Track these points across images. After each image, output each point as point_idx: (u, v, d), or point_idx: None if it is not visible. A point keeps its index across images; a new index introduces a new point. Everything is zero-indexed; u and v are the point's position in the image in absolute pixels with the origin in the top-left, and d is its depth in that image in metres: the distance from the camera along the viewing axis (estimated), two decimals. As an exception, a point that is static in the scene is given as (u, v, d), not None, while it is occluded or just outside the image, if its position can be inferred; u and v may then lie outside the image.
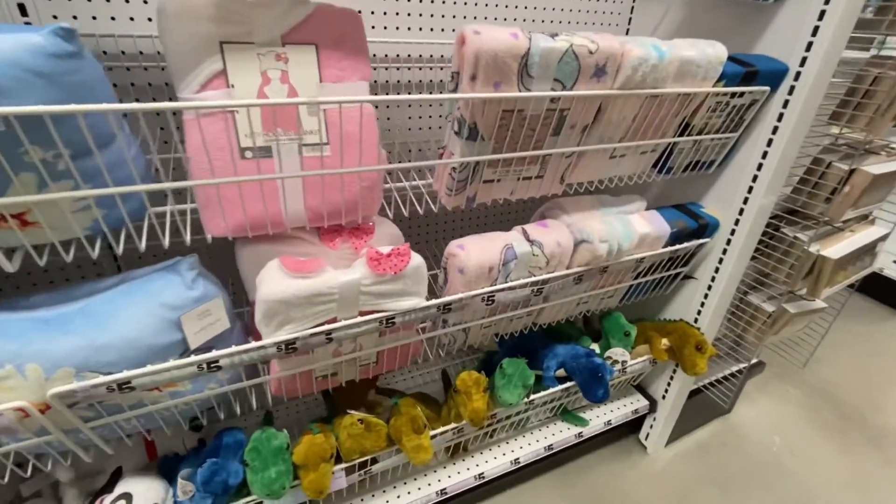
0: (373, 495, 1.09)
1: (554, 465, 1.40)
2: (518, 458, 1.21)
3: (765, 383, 1.77)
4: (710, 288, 1.17)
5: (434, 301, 0.81)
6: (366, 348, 0.84)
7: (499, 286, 0.84)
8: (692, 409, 1.43)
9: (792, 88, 0.91)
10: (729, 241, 1.10)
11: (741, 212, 1.06)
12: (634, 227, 0.95)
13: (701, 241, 1.07)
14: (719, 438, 1.55)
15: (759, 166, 1.00)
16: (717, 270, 1.14)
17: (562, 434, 1.29)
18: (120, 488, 0.81)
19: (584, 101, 0.75)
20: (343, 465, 0.92)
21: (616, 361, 1.17)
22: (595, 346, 1.24)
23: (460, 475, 1.16)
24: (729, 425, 1.60)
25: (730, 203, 1.07)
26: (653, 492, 1.36)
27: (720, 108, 0.91)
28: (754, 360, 1.53)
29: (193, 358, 0.66)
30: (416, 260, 0.76)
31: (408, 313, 0.79)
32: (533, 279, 0.88)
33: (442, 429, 1.00)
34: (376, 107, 1.03)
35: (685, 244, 1.05)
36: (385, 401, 1.16)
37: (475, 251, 0.82)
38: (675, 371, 1.33)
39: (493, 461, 1.20)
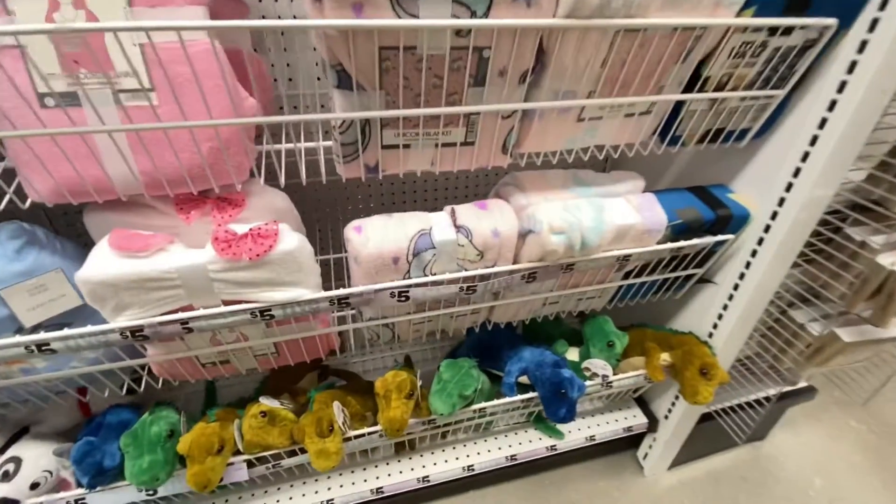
0: (291, 485, 1.01)
1: (525, 472, 1.24)
2: (472, 466, 1.07)
3: (818, 409, 1.44)
4: (731, 297, 0.90)
5: (321, 294, 0.66)
6: (254, 339, 0.72)
7: (402, 282, 0.67)
8: (709, 430, 1.19)
9: (875, 22, 0.60)
10: (761, 241, 0.82)
11: (781, 202, 0.77)
12: (611, 216, 0.72)
13: (719, 237, 0.81)
14: (740, 470, 1.29)
15: (814, 140, 0.70)
16: (742, 276, 0.87)
17: (531, 444, 1.12)
18: (12, 451, 0.79)
19: (510, 37, 0.52)
20: (245, 457, 0.83)
21: (595, 375, 0.96)
22: (573, 353, 1.03)
23: (402, 475, 1.04)
24: (757, 455, 1.32)
25: (768, 189, 0.78)
26: (637, 522, 1.16)
27: (752, 52, 0.63)
28: (800, 385, 1.22)
29: (18, 338, 0.58)
30: (290, 243, 0.61)
31: (289, 306, 0.65)
32: (454, 276, 0.69)
33: (369, 430, 0.88)
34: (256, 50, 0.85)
35: (692, 241, 0.79)
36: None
37: (376, 236, 0.65)
38: (677, 397, 1.09)
39: (444, 465, 1.07)
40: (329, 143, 0.63)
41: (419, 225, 0.67)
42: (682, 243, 0.79)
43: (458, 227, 0.68)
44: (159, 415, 0.79)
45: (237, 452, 0.82)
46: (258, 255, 0.58)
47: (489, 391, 1.02)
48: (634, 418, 1.18)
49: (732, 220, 0.80)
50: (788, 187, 0.75)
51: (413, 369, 0.96)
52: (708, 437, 1.22)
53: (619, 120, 0.68)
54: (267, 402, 0.85)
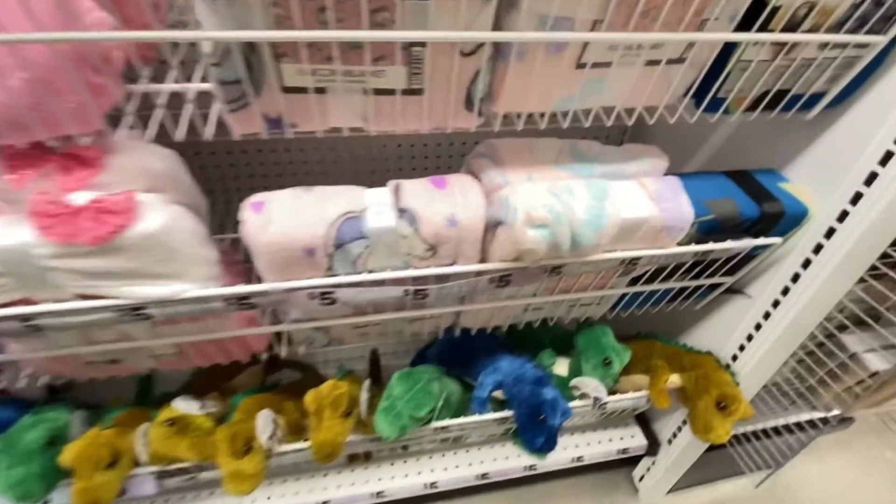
0: (211, 492, 0.88)
1: (500, 486, 1.10)
2: (436, 482, 0.93)
3: (851, 434, 1.25)
4: (767, 316, 0.71)
5: (212, 292, 0.49)
6: (142, 339, 0.57)
7: (319, 281, 0.50)
8: (720, 456, 1.02)
9: None
10: (819, 248, 0.61)
11: (857, 198, 0.56)
12: (615, 206, 0.52)
13: (762, 241, 0.60)
14: (750, 501, 1.12)
15: (920, 112, 0.48)
16: (786, 291, 0.67)
17: (507, 462, 0.96)
18: None
19: None
20: (154, 469, 0.70)
21: (585, 395, 0.79)
22: (562, 366, 0.85)
23: (354, 488, 0.91)
24: (773, 485, 1.15)
25: (838, 180, 0.57)
26: (625, 555, 1.02)
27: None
28: (835, 412, 1.03)
29: None
30: (153, 223, 0.43)
31: (169, 304, 0.49)
32: (395, 275, 0.51)
33: (299, 446, 0.73)
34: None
35: (725, 245, 0.59)
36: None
37: (281, 217, 0.47)
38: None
39: (403, 479, 0.92)
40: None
41: (346, 205, 0.49)
42: (710, 246, 0.59)
43: (400, 211, 0.49)
44: (42, 417, 0.65)
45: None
46: (101, 239, 0.41)
47: (459, 402, 0.86)
48: (632, 439, 1.01)
49: (783, 219, 0.60)
50: (870, 179, 0.54)
51: (375, 373, 0.80)
52: (717, 462, 1.05)
53: (638, 69, 0.47)
54: (181, 406, 0.71)
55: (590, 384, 0.77)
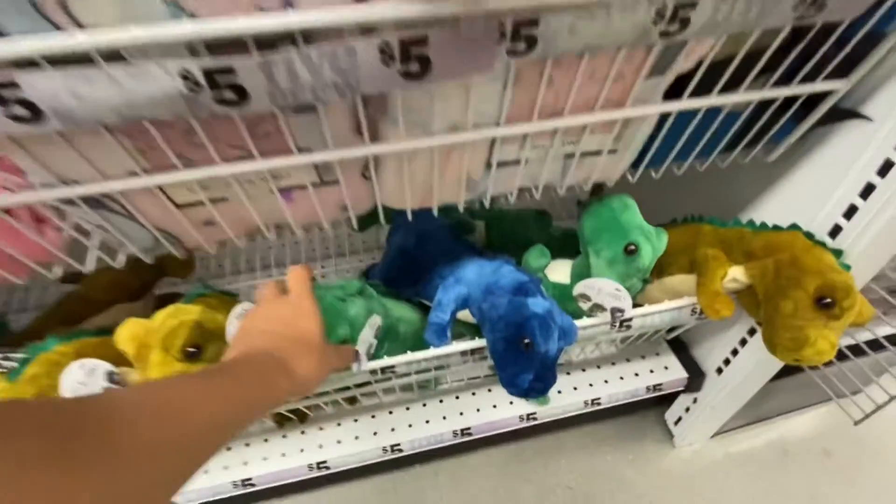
0: None
1: (495, 441, 0.85)
2: (398, 445, 0.68)
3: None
4: (908, 144, 0.41)
5: None
6: None
7: None
8: (784, 385, 0.75)
9: None
10: None
11: None
12: None
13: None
14: (822, 441, 0.86)
15: None
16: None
17: (495, 411, 0.71)
18: None
19: None
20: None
21: (599, 307, 0.51)
22: (559, 270, 0.57)
23: (285, 460, 0.66)
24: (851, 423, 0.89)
25: None
26: (660, 519, 0.77)
27: None
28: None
29: None
30: None
31: None
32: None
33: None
34: None
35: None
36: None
37: None
38: (752, 331, 0.63)
39: (353, 444, 0.68)
40: None
41: None
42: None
43: None
44: None
45: None
46: None
47: (416, 334, 0.59)
48: (666, 371, 0.75)
49: None
50: None
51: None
52: (778, 393, 0.78)
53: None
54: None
55: (604, 287, 0.49)
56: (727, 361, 0.69)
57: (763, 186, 0.56)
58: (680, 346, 0.77)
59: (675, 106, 0.38)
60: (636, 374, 0.74)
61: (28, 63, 0.24)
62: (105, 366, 0.43)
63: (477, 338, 0.51)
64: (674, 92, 0.38)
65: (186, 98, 0.26)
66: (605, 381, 0.73)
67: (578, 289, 0.50)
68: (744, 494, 0.80)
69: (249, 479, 0.65)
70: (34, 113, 0.25)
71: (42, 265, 0.40)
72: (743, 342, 0.65)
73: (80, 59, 0.24)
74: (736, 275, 0.51)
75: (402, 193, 0.41)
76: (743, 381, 0.67)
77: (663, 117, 0.40)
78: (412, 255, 0.61)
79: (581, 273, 0.53)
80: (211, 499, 0.65)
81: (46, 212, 0.37)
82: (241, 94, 0.26)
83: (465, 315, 0.53)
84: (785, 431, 0.87)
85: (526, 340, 0.43)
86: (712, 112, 0.41)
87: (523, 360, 0.44)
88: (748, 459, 0.84)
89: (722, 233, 0.54)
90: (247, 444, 0.68)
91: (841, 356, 0.66)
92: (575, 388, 0.72)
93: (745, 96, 0.39)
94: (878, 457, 0.83)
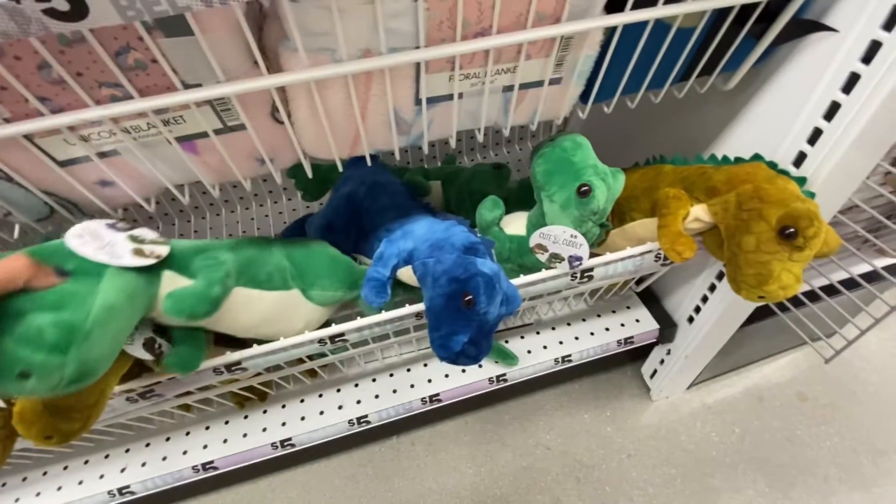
0: (67, 467, 0.61)
1: (469, 406, 0.84)
2: (365, 417, 0.65)
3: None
4: (869, 59, 0.37)
5: None
6: None
7: None
8: (756, 331, 0.74)
9: None
10: None
11: None
12: None
13: None
14: (797, 385, 0.86)
15: None
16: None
17: (464, 376, 0.69)
18: None
19: None
20: None
21: (556, 257, 0.48)
22: (516, 222, 0.54)
23: (248, 440, 0.63)
24: (824, 364, 0.89)
25: None
26: (638, 466, 0.77)
27: None
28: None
29: None
30: None
31: None
32: None
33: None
34: None
35: None
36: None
37: None
38: (721, 275, 0.61)
39: (318, 418, 0.65)
40: None
41: None
42: None
43: None
44: None
45: None
46: None
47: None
48: (637, 324, 0.73)
49: None
50: None
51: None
52: (751, 339, 0.78)
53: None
54: None
55: (560, 234, 0.46)
56: (697, 310, 0.67)
57: (723, 119, 0.53)
58: (651, 299, 0.75)
59: (617, 19, 0.34)
60: (606, 329, 0.72)
61: None
62: None
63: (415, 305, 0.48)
64: (616, 4, 0.34)
65: (8, 9, 0.21)
66: (576, 339, 0.71)
67: (534, 239, 0.47)
68: (722, 443, 0.80)
69: (211, 463, 0.62)
70: None
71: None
72: (712, 288, 0.63)
73: None
74: (698, 214, 0.48)
75: (323, 138, 0.36)
76: (714, 327, 0.65)
77: (608, 38, 0.36)
78: (361, 204, 0.57)
79: (536, 223, 0.50)
80: (173, 485, 0.63)
81: None
82: (77, 2, 0.22)
83: (405, 274, 0.49)
84: (760, 379, 0.87)
85: (468, 297, 0.40)
86: (661, 29, 0.37)
87: (461, 321, 0.41)
88: (725, 408, 0.84)
89: (683, 171, 0.51)
90: (207, 428, 0.65)
91: (814, 297, 0.65)
92: (545, 347, 0.70)
93: (697, 5, 0.35)
94: (854, 398, 0.84)
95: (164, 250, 0.34)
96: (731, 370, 0.87)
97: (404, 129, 0.39)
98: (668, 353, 0.76)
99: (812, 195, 0.43)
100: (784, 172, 0.44)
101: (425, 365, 0.70)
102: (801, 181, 0.44)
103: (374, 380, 0.69)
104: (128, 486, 0.60)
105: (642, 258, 0.52)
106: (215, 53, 0.28)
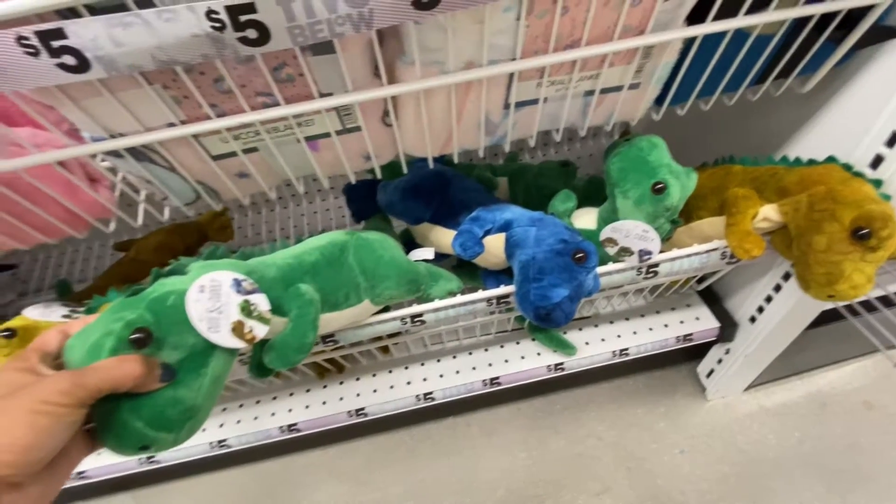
0: None
1: (524, 393, 0.88)
2: (431, 393, 0.71)
3: None
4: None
5: None
6: None
7: None
8: (821, 335, 0.73)
9: None
10: None
11: None
12: None
13: None
14: (863, 393, 0.84)
15: None
16: None
17: (523, 362, 0.73)
18: None
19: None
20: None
21: (626, 251, 0.51)
22: (585, 217, 0.57)
23: (326, 407, 0.71)
24: (893, 372, 0.86)
25: None
26: (691, 462, 0.78)
27: None
28: None
29: None
30: None
31: None
32: None
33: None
34: None
35: None
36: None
37: None
38: (787, 276, 0.61)
39: (388, 392, 0.71)
40: None
41: None
42: None
43: None
44: None
45: None
46: None
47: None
48: (697, 322, 0.74)
49: None
50: None
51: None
52: (816, 343, 0.76)
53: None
54: (33, 313, 0.50)
55: (632, 229, 0.49)
56: (760, 309, 0.67)
57: (797, 121, 0.53)
58: (712, 298, 0.76)
59: (698, 30, 0.37)
60: (665, 326, 0.74)
61: (70, 12, 0.26)
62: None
63: (503, 285, 0.52)
64: (697, 15, 0.37)
65: (212, 38, 0.27)
66: (634, 333, 0.73)
67: (605, 233, 0.50)
68: (780, 445, 0.79)
69: (295, 425, 0.70)
70: (80, 61, 0.27)
71: (99, 220, 0.44)
72: (777, 288, 0.63)
73: (115, 7, 0.26)
74: (768, 213, 0.49)
75: (422, 139, 0.42)
76: (778, 328, 0.66)
77: (687, 45, 0.39)
78: (450, 180, 0.60)
79: (608, 218, 0.53)
80: (262, 442, 0.71)
81: (99, 170, 0.40)
82: (263, 31, 0.27)
83: (491, 250, 0.53)
84: (823, 384, 0.85)
85: (580, 254, 0.44)
86: (740, 36, 0.39)
87: (566, 275, 0.44)
88: (784, 411, 0.83)
89: (753, 171, 0.52)
90: (291, 394, 0.73)
91: (889, 303, 0.64)
92: (603, 340, 0.73)
93: (777, 15, 0.37)
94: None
95: (261, 332, 0.35)
96: (792, 374, 0.86)
97: (491, 131, 0.44)
98: (727, 352, 0.76)
99: (888, 198, 0.44)
100: (859, 174, 0.45)
101: (486, 350, 0.75)
102: (878, 183, 0.45)
103: (438, 360, 0.74)
104: (224, 440, 0.69)
105: (708, 255, 0.54)
106: (348, 68, 0.34)
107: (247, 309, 0.34)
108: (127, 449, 0.29)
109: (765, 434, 0.81)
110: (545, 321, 0.45)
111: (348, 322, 0.48)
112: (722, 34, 0.38)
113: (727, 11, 0.37)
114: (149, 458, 0.69)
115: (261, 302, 0.35)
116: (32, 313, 0.50)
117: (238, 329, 0.33)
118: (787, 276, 0.61)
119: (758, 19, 0.37)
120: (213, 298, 0.33)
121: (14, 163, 0.34)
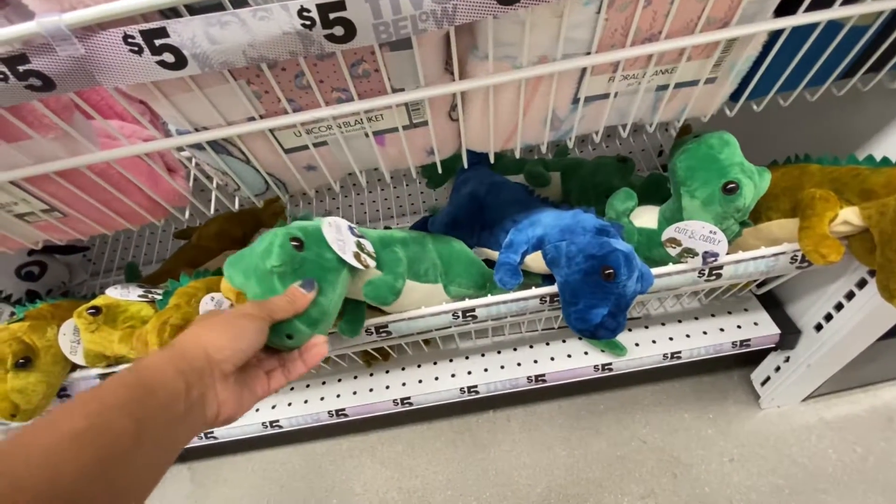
0: None
1: (567, 391, 0.87)
2: (475, 387, 0.71)
3: None
4: None
5: None
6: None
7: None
8: (891, 346, 0.69)
9: None
10: None
11: None
12: None
13: None
14: (939, 410, 0.78)
15: None
16: None
17: (570, 361, 0.72)
18: None
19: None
20: (100, 371, 0.55)
21: (689, 252, 0.49)
22: (645, 215, 0.55)
23: (373, 395, 0.73)
24: (975, 388, 0.79)
25: None
26: (741, 471, 0.75)
27: None
28: None
29: None
30: None
31: None
32: None
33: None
34: None
35: None
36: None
37: None
38: (862, 283, 0.58)
39: (433, 383, 0.72)
40: None
41: None
42: None
43: None
44: None
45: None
46: None
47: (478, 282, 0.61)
48: (755, 327, 0.71)
49: None
50: None
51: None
52: (886, 355, 0.72)
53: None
54: (115, 293, 0.54)
55: (699, 229, 0.47)
56: (829, 317, 0.64)
57: (883, 118, 0.50)
58: (772, 303, 0.72)
59: (788, 22, 0.35)
60: (721, 330, 0.71)
61: (171, 12, 0.28)
62: (226, 300, 0.50)
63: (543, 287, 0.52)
64: (786, 5, 0.35)
65: (301, 35, 0.28)
66: (687, 336, 0.71)
67: (668, 233, 0.49)
68: (840, 460, 0.75)
69: (343, 410, 0.72)
70: (178, 58, 0.28)
71: (176, 208, 0.46)
72: (850, 296, 0.59)
73: (211, 7, 0.27)
74: (848, 217, 0.47)
75: (486, 134, 0.41)
76: (847, 338, 0.62)
77: (772, 37, 0.37)
78: (483, 201, 0.62)
79: (671, 217, 0.51)
80: (311, 424, 0.74)
81: (177, 160, 0.42)
82: (349, 28, 0.28)
83: (535, 262, 0.53)
84: (890, 398, 0.80)
85: (608, 271, 0.43)
86: (832, 27, 0.37)
87: (600, 293, 0.44)
88: (846, 425, 0.78)
89: (833, 172, 0.49)
90: (339, 380, 0.75)
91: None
92: (654, 342, 0.71)
93: (876, 5, 0.34)
94: None
95: (371, 263, 0.45)
96: (857, 386, 0.81)
97: (556, 126, 0.43)
98: (787, 360, 0.73)
99: None
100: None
101: (531, 346, 0.75)
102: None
103: (482, 355, 0.75)
104: (277, 421, 0.72)
105: (776, 259, 0.51)
106: (422, 63, 0.34)
107: (360, 245, 0.44)
108: (276, 337, 0.37)
109: (823, 448, 0.77)
110: (594, 338, 0.45)
111: (422, 298, 0.53)
112: (812, 26, 0.36)
113: (820, 1, 0.34)
114: (207, 434, 0.73)
115: (368, 245, 0.46)
116: (113, 293, 0.54)
117: (357, 256, 0.43)
118: (861, 284, 0.57)
119: (854, 10, 0.35)
120: (337, 232, 0.42)
121: (111, 153, 0.36)
